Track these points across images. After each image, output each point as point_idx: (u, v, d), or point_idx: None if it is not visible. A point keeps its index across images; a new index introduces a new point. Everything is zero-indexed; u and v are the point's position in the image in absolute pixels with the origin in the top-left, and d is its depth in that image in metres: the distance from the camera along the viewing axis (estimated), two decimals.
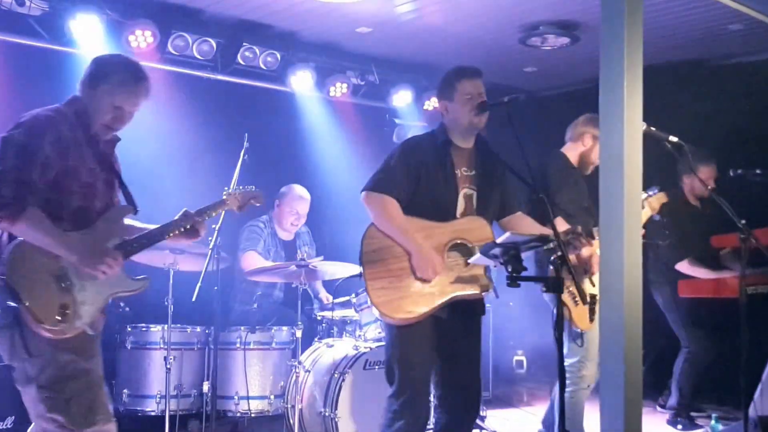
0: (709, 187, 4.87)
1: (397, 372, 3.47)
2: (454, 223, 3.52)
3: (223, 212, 4.56)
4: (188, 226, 3.27)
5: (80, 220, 2.96)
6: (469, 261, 3.44)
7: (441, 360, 3.55)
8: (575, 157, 4.62)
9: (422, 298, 3.38)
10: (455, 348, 3.54)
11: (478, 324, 3.67)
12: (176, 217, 3.28)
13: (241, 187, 3.79)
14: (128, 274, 3.10)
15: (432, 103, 6.90)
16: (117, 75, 3.06)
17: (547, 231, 3.44)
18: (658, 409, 5.89)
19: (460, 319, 3.53)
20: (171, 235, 3.24)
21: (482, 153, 3.66)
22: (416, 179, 3.49)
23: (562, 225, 4.24)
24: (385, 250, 3.41)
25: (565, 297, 4.32)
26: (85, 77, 3.08)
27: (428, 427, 4.41)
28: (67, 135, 2.94)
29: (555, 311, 2.92)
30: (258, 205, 3.80)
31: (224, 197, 3.65)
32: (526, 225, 3.70)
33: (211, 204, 3.52)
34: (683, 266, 5.32)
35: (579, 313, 4.26)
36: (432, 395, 3.72)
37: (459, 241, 3.48)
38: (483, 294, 3.53)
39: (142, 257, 4.65)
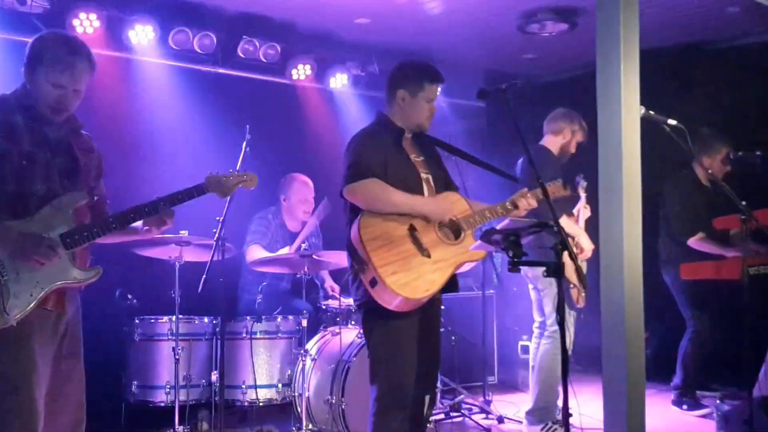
0: (725, 169, 5.10)
1: (382, 371, 3.48)
2: (435, 198, 3.60)
3: (228, 202, 4.62)
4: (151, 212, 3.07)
5: (18, 208, 2.86)
6: (470, 247, 3.48)
7: (420, 342, 3.54)
8: (557, 149, 5.06)
9: (434, 275, 3.41)
10: (430, 328, 3.60)
11: (440, 301, 3.78)
12: (140, 205, 3.10)
13: (231, 171, 3.47)
14: (80, 264, 2.96)
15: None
16: (51, 52, 2.95)
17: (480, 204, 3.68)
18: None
19: (435, 298, 3.56)
20: (129, 222, 3.06)
21: (420, 139, 3.72)
22: (383, 167, 3.49)
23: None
24: (385, 235, 3.41)
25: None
26: (25, 58, 3.00)
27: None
28: (1, 119, 2.88)
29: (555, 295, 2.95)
30: (251, 188, 3.56)
31: (205, 183, 3.29)
32: (475, 204, 3.76)
33: (186, 189, 3.21)
34: (694, 242, 5.37)
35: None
36: None
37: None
38: (481, 260, 3.62)
39: (146, 251, 4.72)
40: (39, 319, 2.87)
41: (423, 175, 3.62)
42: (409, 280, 3.36)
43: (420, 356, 3.55)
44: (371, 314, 3.49)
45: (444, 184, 3.74)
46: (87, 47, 3.03)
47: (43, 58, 2.95)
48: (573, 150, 5.09)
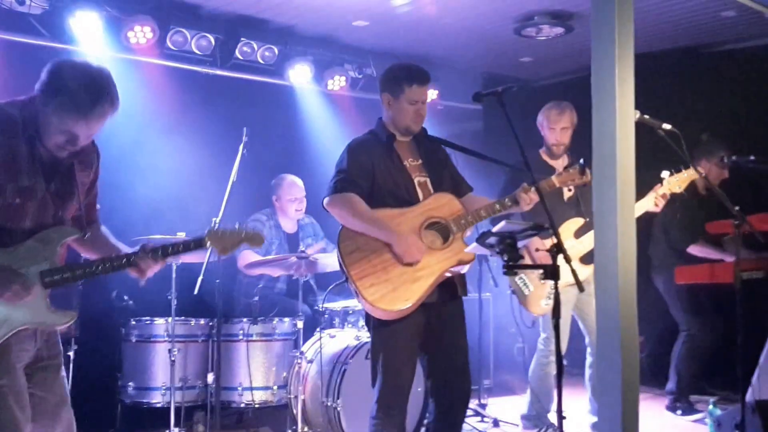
0: (723, 174, 5.14)
1: (379, 377, 3.49)
2: (421, 204, 3.54)
3: (224, 203, 4.62)
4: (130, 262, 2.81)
5: (2, 239, 2.66)
6: (465, 250, 3.47)
7: (429, 350, 3.56)
8: (547, 149, 4.86)
9: (414, 284, 3.39)
10: (442, 336, 3.54)
11: (462, 308, 3.68)
12: (123, 252, 2.88)
13: (237, 225, 3.04)
14: (55, 307, 2.73)
15: (431, 94, 6.96)
16: (71, 94, 2.59)
17: (491, 201, 3.64)
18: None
19: (444, 302, 3.54)
20: (115, 270, 2.82)
21: (421, 142, 3.71)
22: (371, 175, 3.51)
23: None
24: (363, 247, 3.41)
25: (514, 284, 4.47)
26: (40, 84, 2.66)
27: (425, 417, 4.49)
28: (1, 147, 2.61)
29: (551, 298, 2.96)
30: (257, 248, 3.35)
31: (206, 237, 2.94)
32: (479, 202, 3.70)
33: (183, 241, 2.94)
34: (694, 249, 5.38)
35: (531, 300, 4.43)
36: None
37: (432, 220, 3.51)
38: (468, 266, 3.54)
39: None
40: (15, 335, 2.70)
41: (419, 179, 3.61)
42: (386, 292, 3.36)
43: (432, 362, 3.57)
44: (369, 317, 3.52)
45: (452, 184, 3.70)
46: (112, 88, 2.68)
47: (62, 95, 2.60)
48: (559, 138, 4.78)
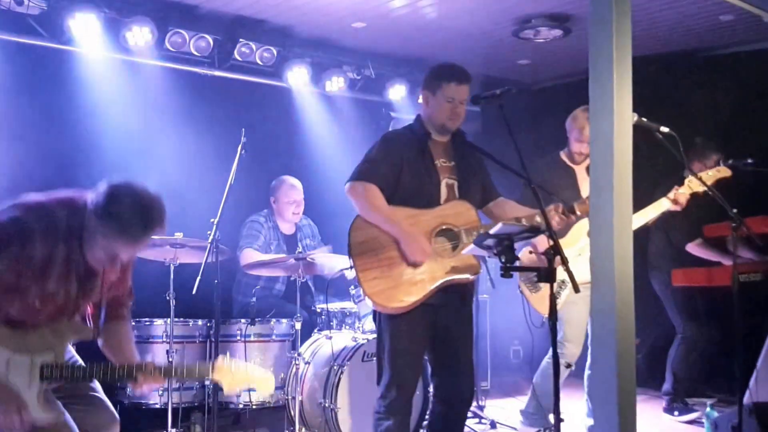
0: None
1: (386, 371, 3.50)
2: (439, 208, 3.55)
3: (222, 204, 4.63)
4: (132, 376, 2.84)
5: (12, 323, 2.73)
6: (462, 252, 3.47)
7: (435, 349, 3.59)
8: (576, 155, 4.70)
9: (414, 287, 3.42)
10: (448, 335, 3.57)
11: (470, 310, 3.71)
12: (132, 359, 2.92)
13: (246, 366, 2.98)
14: (45, 402, 2.74)
15: None
16: (124, 222, 2.62)
17: (532, 210, 3.54)
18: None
19: (453, 306, 3.56)
20: (116, 381, 2.90)
21: (459, 145, 3.71)
22: (398, 170, 3.53)
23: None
24: (373, 240, 3.44)
25: (523, 285, 4.45)
26: (94, 204, 2.66)
27: (425, 418, 4.49)
28: (36, 252, 2.64)
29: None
30: (270, 395, 3.36)
31: (214, 374, 2.91)
32: (510, 208, 3.73)
33: (187, 367, 2.98)
34: (693, 247, 5.39)
35: (537, 300, 4.40)
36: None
37: (445, 227, 3.52)
38: (474, 277, 3.56)
39: (143, 253, 4.70)
40: None
41: (447, 181, 3.61)
42: (386, 287, 3.39)
43: (437, 362, 3.59)
44: (376, 312, 3.55)
45: (480, 191, 3.72)
46: (164, 217, 2.71)
47: (112, 222, 2.62)
48: (587, 151, 4.59)
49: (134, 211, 2.62)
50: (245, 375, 2.93)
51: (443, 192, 3.59)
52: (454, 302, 3.56)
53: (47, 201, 2.73)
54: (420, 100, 3.72)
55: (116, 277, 2.96)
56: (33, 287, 2.67)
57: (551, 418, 4.70)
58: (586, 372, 4.81)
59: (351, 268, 3.49)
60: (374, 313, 3.63)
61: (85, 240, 2.70)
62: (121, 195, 2.65)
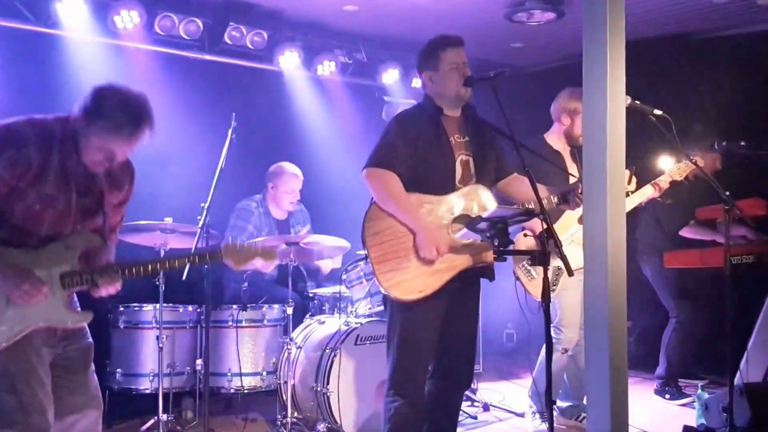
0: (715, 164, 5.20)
1: (393, 356, 3.46)
2: (455, 194, 3.48)
3: (213, 188, 4.60)
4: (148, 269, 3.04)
5: (19, 239, 2.82)
6: (456, 235, 3.43)
7: (441, 330, 3.52)
8: (559, 137, 4.67)
9: (432, 276, 3.36)
10: (455, 316, 3.52)
11: (478, 293, 3.66)
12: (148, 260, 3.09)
13: (253, 242, 3.18)
14: (72, 307, 2.94)
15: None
16: (113, 118, 2.77)
17: (548, 189, 3.56)
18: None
19: (467, 290, 3.52)
20: (132, 276, 3.05)
21: (471, 119, 3.64)
22: (415, 151, 3.45)
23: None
24: (388, 230, 3.38)
25: (519, 271, 4.42)
26: (82, 107, 2.80)
27: None
28: (32, 156, 2.74)
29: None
30: (270, 266, 3.44)
31: (221, 250, 3.13)
32: (525, 186, 3.64)
33: (199, 252, 3.16)
34: (687, 231, 5.40)
35: (534, 287, 4.37)
36: None
37: (462, 212, 3.46)
38: (492, 261, 3.45)
39: (130, 237, 4.69)
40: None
41: (462, 157, 3.54)
42: (402, 279, 3.34)
43: (440, 342, 3.52)
44: (387, 297, 3.48)
45: (495, 165, 3.66)
46: (151, 113, 2.91)
47: (105, 119, 2.77)
48: (580, 134, 4.51)
49: (121, 105, 2.79)
50: (250, 250, 3.13)
51: (458, 170, 3.51)
52: (468, 286, 3.52)
53: (42, 116, 2.87)
54: (419, 85, 3.62)
55: (118, 201, 3.07)
56: (31, 191, 2.77)
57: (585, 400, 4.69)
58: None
59: (365, 258, 3.44)
60: (384, 297, 3.55)
61: (81, 145, 2.82)
62: (105, 93, 2.82)
